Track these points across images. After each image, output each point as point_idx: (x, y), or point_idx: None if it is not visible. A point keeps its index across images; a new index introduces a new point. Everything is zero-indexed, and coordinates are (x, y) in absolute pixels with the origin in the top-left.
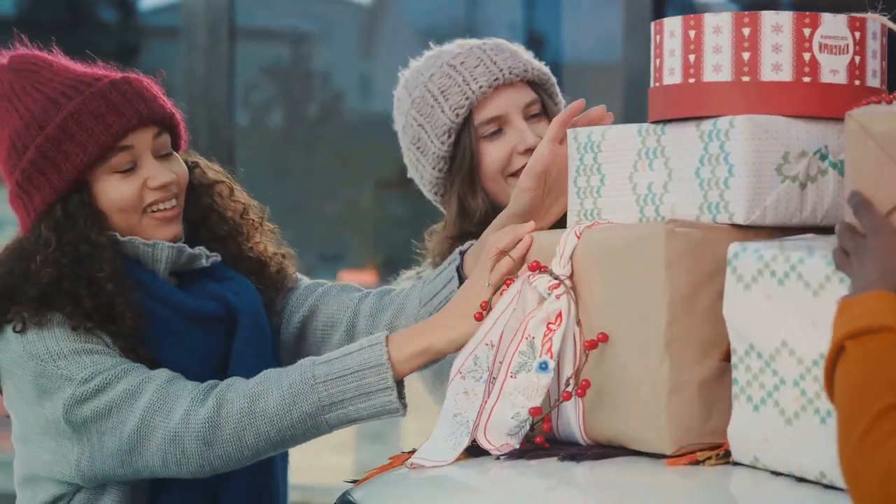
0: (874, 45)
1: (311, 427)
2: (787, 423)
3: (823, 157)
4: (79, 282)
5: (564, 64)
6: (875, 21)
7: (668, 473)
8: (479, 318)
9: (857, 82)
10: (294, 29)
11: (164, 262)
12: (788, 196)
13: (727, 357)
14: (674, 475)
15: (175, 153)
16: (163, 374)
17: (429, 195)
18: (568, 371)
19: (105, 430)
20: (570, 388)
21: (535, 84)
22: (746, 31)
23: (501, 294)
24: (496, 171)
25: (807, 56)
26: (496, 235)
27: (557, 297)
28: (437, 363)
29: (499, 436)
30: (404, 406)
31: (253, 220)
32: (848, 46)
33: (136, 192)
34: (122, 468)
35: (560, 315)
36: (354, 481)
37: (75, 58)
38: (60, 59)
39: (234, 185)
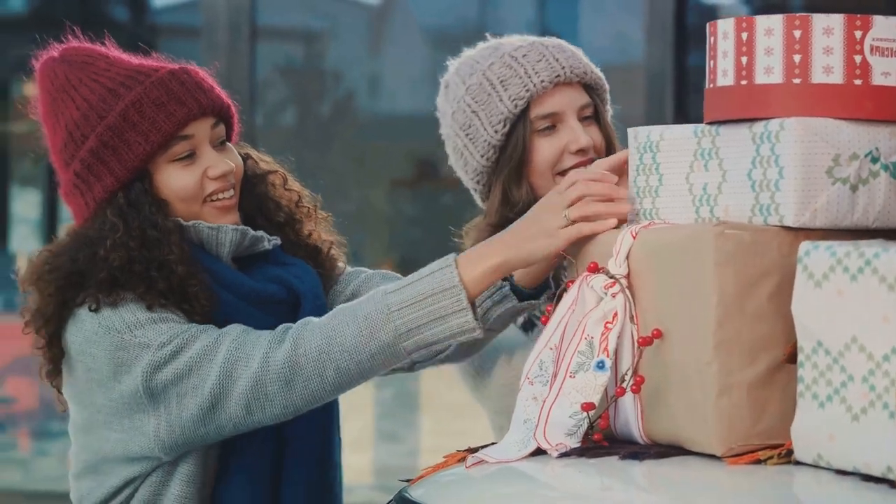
0: None
1: (391, 356)
2: (854, 419)
3: (875, 160)
4: (150, 265)
5: None
6: None
7: (729, 473)
8: (545, 321)
9: None
10: (306, 28)
11: (229, 245)
12: (839, 198)
13: (792, 358)
14: (735, 474)
15: (229, 143)
16: (236, 327)
17: (468, 183)
18: (624, 369)
19: (186, 391)
20: (624, 384)
21: (591, 88)
22: (798, 34)
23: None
24: (546, 167)
25: (858, 58)
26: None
27: (613, 296)
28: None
29: (557, 435)
30: (481, 326)
31: (307, 208)
32: None
33: (197, 181)
34: (203, 427)
35: (616, 314)
36: (408, 480)
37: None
38: (113, 50)
39: (287, 175)
